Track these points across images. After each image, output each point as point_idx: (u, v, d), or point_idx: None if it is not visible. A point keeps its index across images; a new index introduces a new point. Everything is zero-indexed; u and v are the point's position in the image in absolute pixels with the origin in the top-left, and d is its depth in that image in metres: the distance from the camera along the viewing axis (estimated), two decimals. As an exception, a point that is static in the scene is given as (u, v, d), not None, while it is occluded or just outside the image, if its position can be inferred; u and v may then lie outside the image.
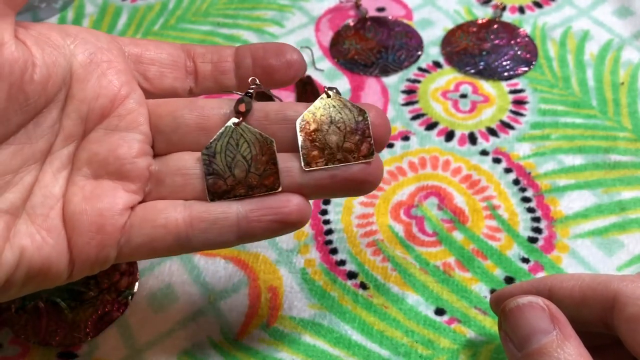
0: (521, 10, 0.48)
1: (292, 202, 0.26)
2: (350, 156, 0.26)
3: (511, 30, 0.46)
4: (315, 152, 0.26)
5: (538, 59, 0.45)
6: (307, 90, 0.43)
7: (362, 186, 0.27)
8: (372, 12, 0.49)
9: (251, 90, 0.27)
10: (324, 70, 0.45)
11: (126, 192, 0.26)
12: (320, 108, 0.27)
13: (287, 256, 0.35)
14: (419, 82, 0.44)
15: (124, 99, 0.26)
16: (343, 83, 0.44)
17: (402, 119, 0.41)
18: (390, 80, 0.44)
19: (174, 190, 0.27)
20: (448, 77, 0.44)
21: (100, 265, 0.26)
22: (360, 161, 0.26)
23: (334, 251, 0.35)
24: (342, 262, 0.35)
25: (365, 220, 0.36)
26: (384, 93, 0.43)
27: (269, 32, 0.48)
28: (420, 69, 0.45)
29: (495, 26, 0.47)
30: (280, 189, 0.26)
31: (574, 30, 0.46)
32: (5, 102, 0.23)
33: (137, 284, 0.34)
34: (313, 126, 0.26)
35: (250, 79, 0.28)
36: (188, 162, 0.27)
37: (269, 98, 0.31)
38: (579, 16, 0.47)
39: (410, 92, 0.43)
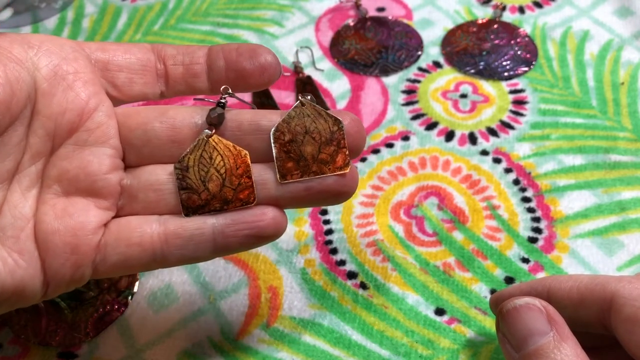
0: (521, 10, 0.48)
1: (267, 216, 0.26)
2: (326, 167, 0.26)
3: (511, 30, 0.46)
4: (290, 164, 0.26)
5: (538, 59, 0.45)
6: (307, 90, 0.43)
7: (337, 197, 0.27)
8: (372, 12, 0.49)
9: (223, 100, 0.26)
10: (323, 70, 0.45)
11: (99, 209, 0.26)
12: (294, 117, 0.26)
13: (287, 256, 0.35)
14: (419, 82, 0.44)
15: (92, 112, 0.25)
16: (343, 83, 0.44)
17: (402, 119, 0.41)
18: (390, 80, 0.44)
19: (148, 206, 0.26)
20: (448, 77, 0.44)
21: (75, 284, 0.26)
22: (335, 173, 0.26)
23: (334, 251, 0.35)
24: (342, 262, 0.35)
25: (365, 220, 0.36)
26: (384, 93, 0.43)
27: (269, 32, 0.48)
28: (420, 69, 0.45)
29: (495, 26, 0.47)
30: (255, 202, 0.26)
31: (574, 30, 0.46)
32: None
33: (137, 284, 0.34)
34: (287, 137, 0.26)
35: (223, 87, 0.27)
36: (160, 177, 0.26)
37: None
38: (579, 16, 0.47)
39: (410, 92, 0.43)
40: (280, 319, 0.33)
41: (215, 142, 0.26)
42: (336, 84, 0.44)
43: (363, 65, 0.45)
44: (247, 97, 0.42)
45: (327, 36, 0.47)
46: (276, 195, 0.26)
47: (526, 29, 0.47)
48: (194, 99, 0.29)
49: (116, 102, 0.27)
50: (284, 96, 0.43)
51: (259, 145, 0.26)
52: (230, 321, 0.33)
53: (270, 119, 0.26)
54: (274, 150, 0.26)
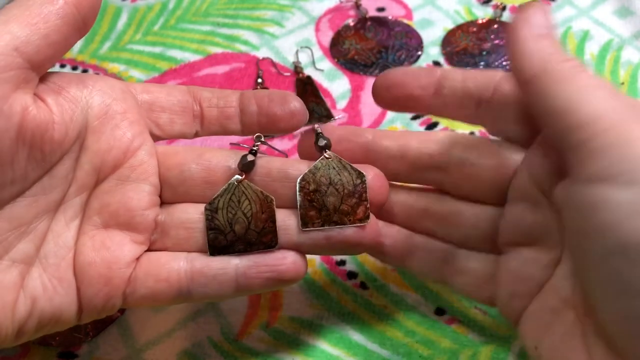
0: (521, 10, 0.48)
1: (288, 260, 0.27)
2: (346, 218, 0.27)
3: (511, 30, 0.46)
4: (312, 212, 0.27)
5: (538, 59, 0.45)
6: (307, 90, 0.43)
7: (355, 247, 0.28)
8: (372, 12, 0.49)
9: (255, 148, 0.28)
10: (324, 70, 0.45)
11: (134, 243, 0.27)
12: (320, 168, 0.27)
13: (287, 256, 0.35)
14: (419, 82, 0.44)
15: (136, 150, 0.27)
16: (343, 83, 0.44)
17: (402, 119, 0.41)
18: (390, 80, 0.44)
19: (178, 243, 0.28)
20: (448, 77, 0.44)
21: (107, 312, 0.27)
22: (355, 224, 0.27)
23: (334, 251, 0.35)
24: (342, 262, 0.35)
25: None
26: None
27: (269, 32, 0.48)
28: (420, 69, 0.45)
29: (495, 26, 0.47)
30: (277, 246, 0.27)
31: (574, 30, 0.46)
32: (24, 163, 0.24)
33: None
34: (312, 186, 0.27)
35: (255, 135, 0.29)
36: (192, 216, 0.28)
37: None
38: (579, 16, 0.47)
39: (410, 92, 0.43)
40: (280, 319, 0.33)
41: (244, 187, 0.27)
42: (336, 84, 0.44)
43: (363, 65, 0.45)
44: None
45: (327, 36, 0.47)
46: (297, 242, 0.27)
47: (526, 29, 0.46)
48: (230, 144, 0.31)
49: (156, 138, 0.29)
50: (284, 96, 0.43)
51: (285, 192, 0.28)
52: (230, 321, 0.33)
53: (298, 168, 0.28)
54: (298, 198, 0.27)
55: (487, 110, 0.28)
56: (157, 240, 0.28)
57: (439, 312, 0.33)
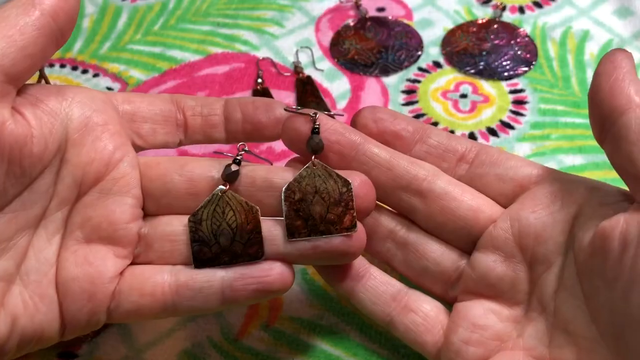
0: (521, 10, 0.48)
1: (274, 271, 0.27)
2: (333, 228, 0.27)
3: (511, 30, 0.46)
4: (298, 222, 0.27)
5: (538, 59, 0.45)
6: (307, 90, 0.43)
7: (343, 257, 0.28)
8: (372, 12, 0.49)
9: (239, 157, 0.27)
10: (323, 70, 0.45)
11: (117, 258, 0.27)
12: (305, 177, 0.27)
13: (287, 256, 0.35)
14: (419, 82, 0.44)
15: (117, 163, 0.27)
16: (343, 83, 0.44)
17: (402, 119, 0.41)
18: (390, 80, 0.44)
19: (162, 256, 0.27)
20: (448, 77, 0.44)
21: (91, 328, 0.26)
22: (342, 234, 0.27)
23: (334, 251, 0.35)
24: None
25: (365, 220, 0.36)
26: (384, 93, 0.43)
27: (269, 32, 0.48)
28: (420, 69, 0.45)
29: (495, 26, 0.47)
30: (263, 257, 0.27)
31: (574, 30, 0.46)
32: (3, 178, 0.23)
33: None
34: (298, 195, 0.27)
35: (239, 144, 0.28)
36: (176, 228, 0.27)
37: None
38: (579, 16, 0.47)
39: (410, 92, 0.43)
40: (280, 319, 0.33)
41: (228, 198, 0.27)
42: (336, 84, 0.44)
43: (363, 65, 0.45)
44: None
45: (327, 36, 0.47)
46: (284, 252, 0.27)
47: (526, 29, 0.47)
48: (214, 152, 0.31)
49: (139, 149, 0.28)
50: (284, 96, 0.43)
51: (271, 201, 0.27)
52: (230, 321, 0.33)
53: (282, 176, 0.27)
54: (284, 208, 0.27)
55: (468, 169, 0.29)
56: (140, 254, 0.27)
57: (439, 312, 0.33)
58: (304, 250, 0.27)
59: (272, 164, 0.30)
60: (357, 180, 0.27)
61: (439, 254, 0.29)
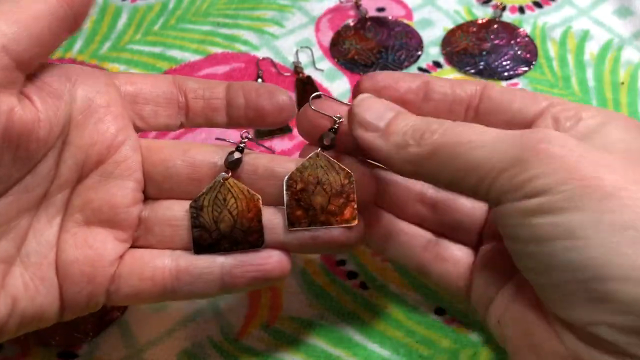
0: (521, 10, 0.48)
1: (273, 259, 0.27)
2: (333, 219, 0.27)
3: (511, 30, 0.46)
4: (299, 212, 0.27)
5: (538, 58, 0.45)
6: (307, 90, 0.43)
7: (341, 247, 0.28)
8: (372, 12, 0.49)
9: (242, 145, 0.27)
10: (323, 70, 0.45)
11: (117, 241, 0.27)
12: (308, 167, 0.27)
13: (287, 256, 0.35)
14: (419, 82, 0.44)
15: (119, 146, 0.27)
16: (343, 83, 0.44)
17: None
18: (390, 80, 0.44)
19: (162, 240, 0.27)
20: (448, 77, 0.44)
21: (90, 310, 0.26)
22: (342, 225, 0.27)
23: (334, 251, 0.35)
24: (342, 262, 0.35)
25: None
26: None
27: (269, 32, 0.48)
28: (420, 69, 0.45)
29: (495, 26, 0.47)
30: (263, 245, 0.27)
31: (574, 30, 0.46)
32: (10, 163, 0.23)
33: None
34: (299, 185, 0.27)
35: (242, 132, 0.28)
36: (177, 213, 0.27)
37: None
38: (579, 16, 0.47)
39: (410, 92, 0.43)
40: (280, 319, 0.33)
41: (230, 185, 0.27)
42: (336, 84, 0.44)
43: (363, 65, 0.45)
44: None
45: (327, 36, 0.47)
46: (284, 241, 0.27)
47: (526, 29, 0.47)
48: (216, 139, 0.30)
49: (139, 130, 0.28)
50: (284, 96, 0.43)
51: (272, 190, 0.27)
52: (230, 321, 0.33)
53: (285, 166, 0.27)
54: (285, 198, 0.27)
55: (475, 117, 0.28)
56: (140, 237, 0.27)
57: (439, 312, 0.33)
58: (303, 240, 0.27)
59: (274, 153, 0.30)
60: (358, 172, 0.27)
61: (471, 206, 0.29)
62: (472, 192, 0.24)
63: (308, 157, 0.27)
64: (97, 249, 0.26)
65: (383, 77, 0.28)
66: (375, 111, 0.26)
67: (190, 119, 0.29)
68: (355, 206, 0.27)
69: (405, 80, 0.28)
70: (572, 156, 0.21)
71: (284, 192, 0.27)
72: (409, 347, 0.31)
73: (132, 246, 0.27)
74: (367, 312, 0.33)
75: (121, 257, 0.27)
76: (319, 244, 0.27)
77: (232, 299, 0.33)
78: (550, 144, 0.21)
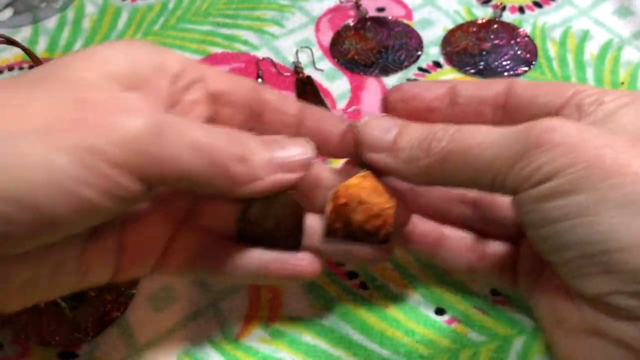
0: (521, 10, 0.48)
1: (306, 262, 0.28)
2: (368, 238, 0.28)
3: (511, 30, 0.46)
4: (338, 225, 0.28)
5: (538, 58, 0.45)
6: (307, 90, 0.43)
7: (369, 264, 0.31)
8: (372, 12, 0.49)
9: None
10: (323, 70, 0.45)
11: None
12: (353, 185, 0.28)
13: (287, 256, 0.35)
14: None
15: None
16: (343, 83, 0.44)
17: (402, 119, 0.41)
18: (390, 80, 0.44)
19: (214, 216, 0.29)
20: (448, 77, 0.44)
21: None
22: (375, 245, 0.28)
23: (334, 251, 0.35)
24: (342, 262, 0.35)
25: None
26: (384, 93, 0.43)
27: (269, 32, 0.48)
28: (420, 69, 0.45)
29: (495, 26, 0.47)
30: (299, 248, 0.28)
31: (574, 30, 0.46)
32: None
33: (137, 283, 0.34)
34: (343, 200, 0.27)
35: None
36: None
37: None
38: (579, 16, 0.47)
39: (410, 92, 0.43)
40: (280, 319, 0.33)
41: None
42: (336, 84, 0.44)
43: (363, 65, 0.45)
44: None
45: (327, 36, 0.47)
46: (319, 248, 0.29)
47: (526, 28, 0.47)
48: None
49: None
50: (284, 96, 0.43)
51: (317, 199, 0.28)
52: (230, 321, 0.33)
53: (333, 178, 0.29)
54: (327, 209, 0.28)
55: (504, 116, 0.28)
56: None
57: (439, 312, 0.33)
58: (337, 250, 0.29)
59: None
60: (401, 202, 0.28)
61: (508, 200, 0.29)
62: (489, 189, 0.24)
63: (357, 175, 0.28)
64: None
65: (409, 88, 0.29)
66: (379, 130, 0.27)
67: (259, 128, 0.29)
68: (391, 230, 0.28)
69: (432, 88, 0.29)
70: (574, 141, 0.22)
71: (327, 202, 0.28)
72: (409, 347, 0.31)
73: None
74: (367, 312, 0.33)
75: None
76: (350, 256, 0.29)
77: (232, 299, 0.33)
78: (552, 133, 0.22)
